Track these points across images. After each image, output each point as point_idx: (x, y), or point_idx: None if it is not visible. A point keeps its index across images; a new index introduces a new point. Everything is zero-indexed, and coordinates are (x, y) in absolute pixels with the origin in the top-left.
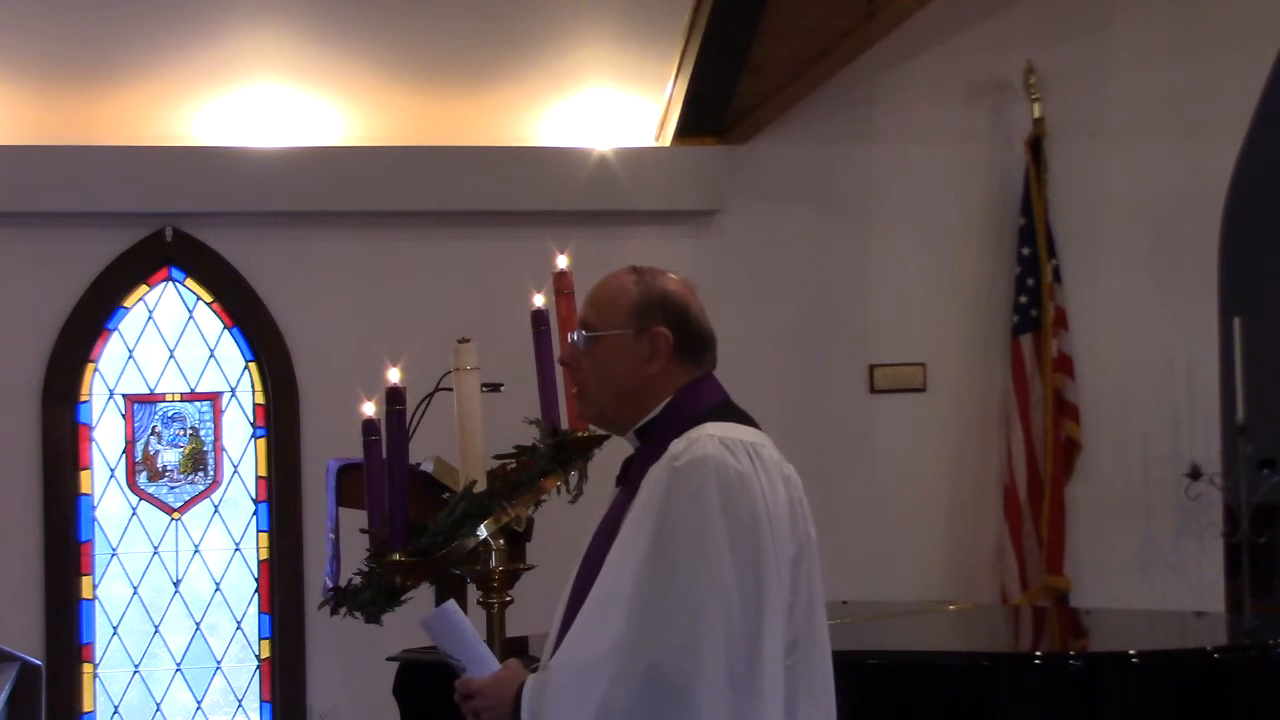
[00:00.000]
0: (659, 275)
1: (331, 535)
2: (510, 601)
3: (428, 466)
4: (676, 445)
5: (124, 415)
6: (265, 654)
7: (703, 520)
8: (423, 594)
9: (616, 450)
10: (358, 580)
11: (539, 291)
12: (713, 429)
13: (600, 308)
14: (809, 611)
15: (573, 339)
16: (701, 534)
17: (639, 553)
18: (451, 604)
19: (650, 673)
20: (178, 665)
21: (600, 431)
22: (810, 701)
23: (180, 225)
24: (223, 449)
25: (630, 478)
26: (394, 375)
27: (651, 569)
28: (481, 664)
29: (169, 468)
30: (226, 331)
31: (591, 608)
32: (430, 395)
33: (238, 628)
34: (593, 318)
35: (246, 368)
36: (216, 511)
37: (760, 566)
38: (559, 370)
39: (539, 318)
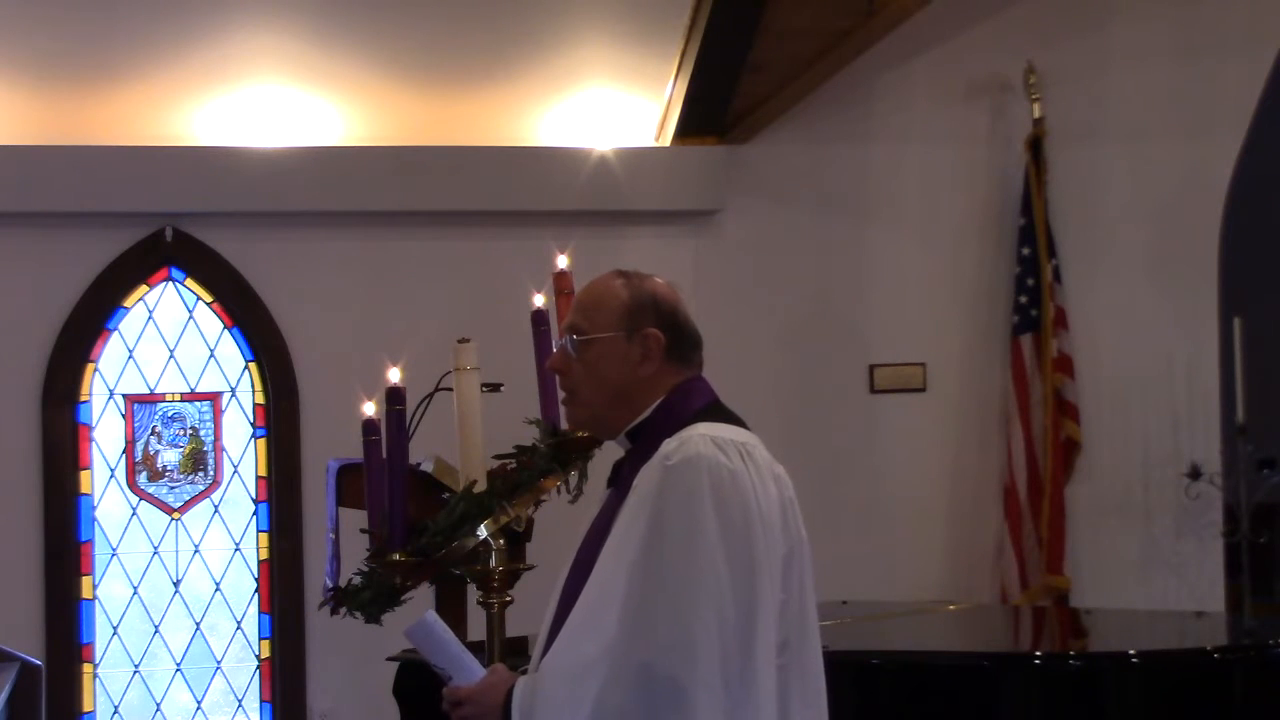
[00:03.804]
0: (646, 278)
1: (331, 535)
2: (510, 601)
3: (428, 466)
4: (668, 445)
5: (124, 415)
6: (265, 654)
7: (695, 518)
8: (423, 594)
9: (616, 450)
10: (358, 580)
11: (539, 291)
12: (704, 429)
13: (590, 311)
14: (801, 612)
15: (563, 344)
16: (694, 532)
17: (631, 552)
18: (430, 614)
19: (643, 672)
20: (178, 665)
21: None
22: (802, 703)
23: (180, 225)
24: (223, 449)
25: (621, 479)
26: (394, 375)
27: (644, 568)
28: (467, 671)
29: (169, 468)
30: (226, 331)
31: (584, 608)
32: (430, 395)
33: (238, 628)
34: (582, 322)
35: (246, 368)
36: (216, 511)
37: (753, 564)
38: None
39: (539, 318)
